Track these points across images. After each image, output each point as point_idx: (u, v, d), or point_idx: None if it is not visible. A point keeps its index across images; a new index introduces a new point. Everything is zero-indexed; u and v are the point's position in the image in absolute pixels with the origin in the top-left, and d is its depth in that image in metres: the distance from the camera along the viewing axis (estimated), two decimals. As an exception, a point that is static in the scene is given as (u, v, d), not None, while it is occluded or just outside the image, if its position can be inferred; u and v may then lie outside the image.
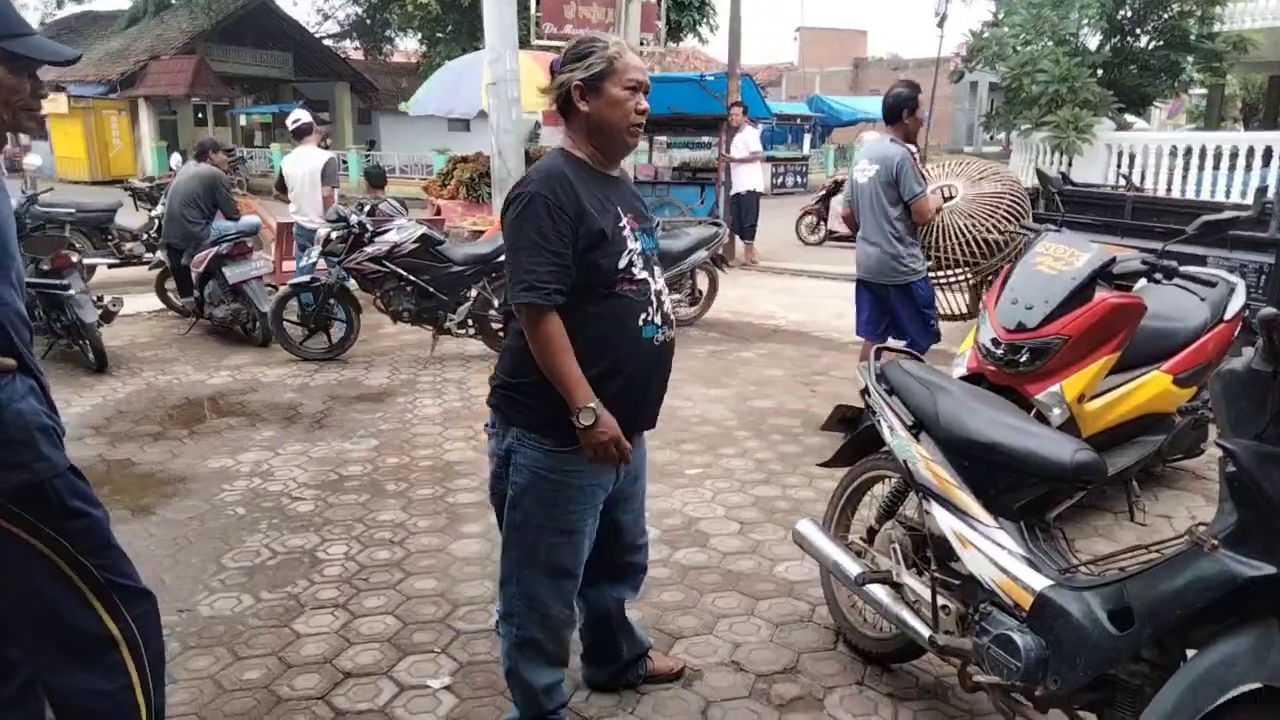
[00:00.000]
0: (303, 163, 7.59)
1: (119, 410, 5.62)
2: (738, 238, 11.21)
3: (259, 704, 2.70)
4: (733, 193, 11.11)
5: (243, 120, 30.26)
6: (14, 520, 1.85)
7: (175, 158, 12.33)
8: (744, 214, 11.12)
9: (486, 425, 2.39)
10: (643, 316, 2.21)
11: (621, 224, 2.20)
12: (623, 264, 2.17)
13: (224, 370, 6.62)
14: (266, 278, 7.62)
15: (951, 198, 5.88)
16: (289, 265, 8.74)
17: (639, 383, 2.25)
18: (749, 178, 11.15)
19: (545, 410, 2.17)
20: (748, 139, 11.13)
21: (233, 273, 7.12)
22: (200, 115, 28.07)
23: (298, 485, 4.44)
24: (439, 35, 23.05)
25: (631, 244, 2.20)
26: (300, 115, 7.82)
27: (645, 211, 2.35)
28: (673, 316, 2.34)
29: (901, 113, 4.78)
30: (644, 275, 2.22)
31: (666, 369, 2.35)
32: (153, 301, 8.59)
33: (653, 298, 2.24)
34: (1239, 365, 1.90)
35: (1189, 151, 11.58)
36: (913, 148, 4.86)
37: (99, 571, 1.94)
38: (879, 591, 2.65)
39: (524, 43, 8.07)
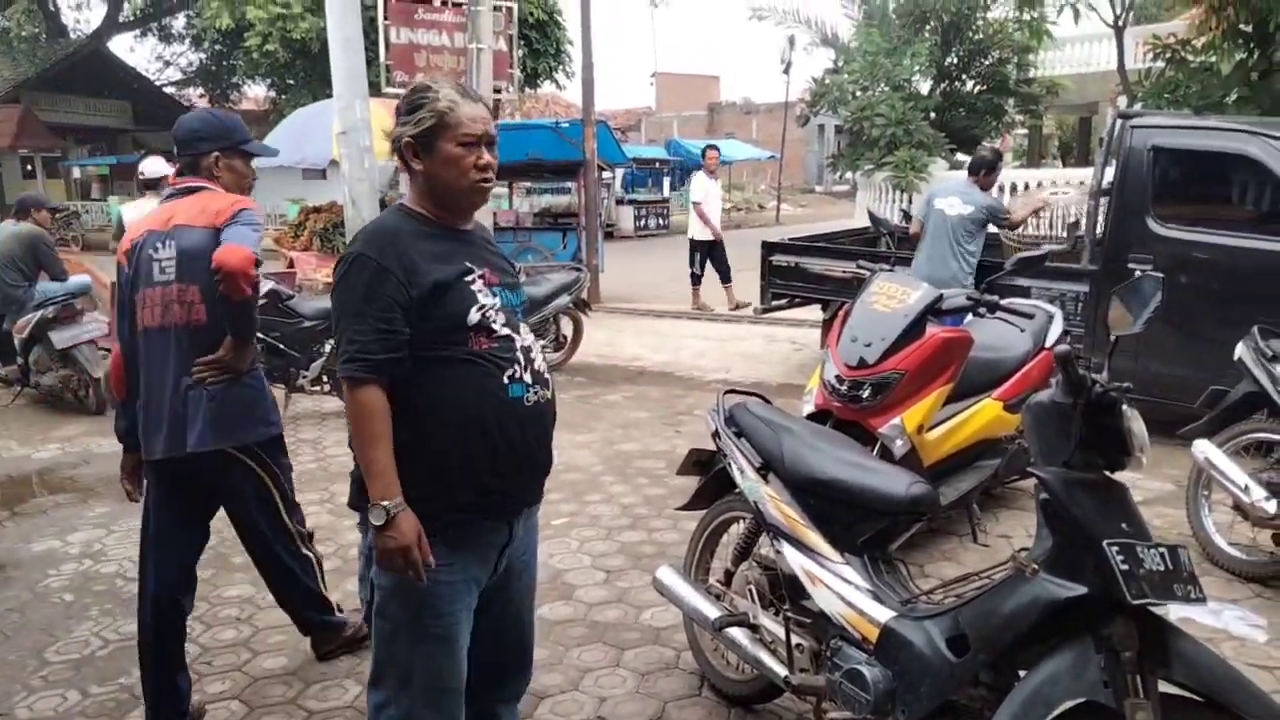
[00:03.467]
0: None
1: (-73, 494, 5.12)
2: (719, 282, 10.73)
3: (84, 814, 2.48)
4: (709, 240, 10.64)
5: (76, 172, 28.37)
6: (259, 463, 2.87)
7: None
8: (718, 262, 10.70)
9: None
10: (509, 374, 1.99)
11: (470, 278, 1.99)
12: (474, 319, 1.95)
13: (52, 442, 6.14)
14: (101, 340, 7.12)
15: (1043, 208, 6.83)
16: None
17: (513, 451, 2.00)
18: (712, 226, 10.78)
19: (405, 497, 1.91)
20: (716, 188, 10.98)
21: (60, 337, 6.64)
22: (29, 168, 26.18)
23: (134, 565, 4.08)
24: (289, 82, 22.42)
25: (485, 299, 1.99)
26: (150, 168, 6.65)
27: (507, 267, 2.15)
28: (548, 376, 2.10)
29: (984, 170, 6.17)
30: (506, 331, 2.01)
31: (544, 433, 2.09)
32: (-30, 371, 7.91)
33: (519, 354, 2.02)
34: (1045, 397, 2.03)
35: (1014, 187, 12.50)
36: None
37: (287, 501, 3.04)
38: (737, 634, 2.68)
39: (375, 90, 7.95)
